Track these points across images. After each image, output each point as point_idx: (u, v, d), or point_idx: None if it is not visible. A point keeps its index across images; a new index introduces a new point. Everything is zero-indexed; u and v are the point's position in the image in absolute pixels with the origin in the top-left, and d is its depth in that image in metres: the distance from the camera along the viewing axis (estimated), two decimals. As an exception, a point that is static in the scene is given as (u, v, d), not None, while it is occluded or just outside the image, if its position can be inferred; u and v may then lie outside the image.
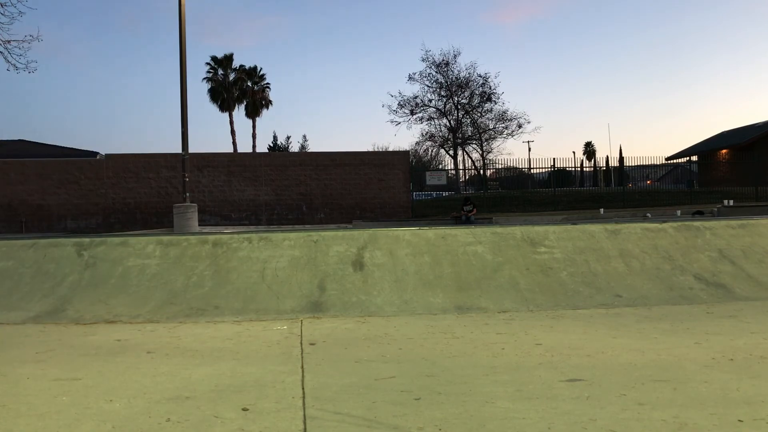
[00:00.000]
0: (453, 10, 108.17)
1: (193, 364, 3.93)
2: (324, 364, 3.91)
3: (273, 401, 3.11)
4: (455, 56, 40.33)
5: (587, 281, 6.45)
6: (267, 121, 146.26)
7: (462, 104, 39.43)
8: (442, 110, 39.63)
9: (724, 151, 35.64)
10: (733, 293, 6.27)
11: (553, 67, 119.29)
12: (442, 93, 39.26)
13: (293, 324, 5.33)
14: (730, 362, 3.75)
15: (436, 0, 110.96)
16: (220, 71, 49.59)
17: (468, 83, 38.67)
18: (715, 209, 21.02)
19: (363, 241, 6.89)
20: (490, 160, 40.92)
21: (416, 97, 39.41)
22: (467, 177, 39.35)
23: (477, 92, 38.89)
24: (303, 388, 3.34)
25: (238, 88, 49.74)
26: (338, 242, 6.88)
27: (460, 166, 40.52)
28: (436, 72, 38.85)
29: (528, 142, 68.02)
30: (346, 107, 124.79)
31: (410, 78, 41.14)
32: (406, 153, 27.40)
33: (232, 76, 49.83)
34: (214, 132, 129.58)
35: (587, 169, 53.41)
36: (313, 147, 71.93)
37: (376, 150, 52.45)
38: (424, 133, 41.88)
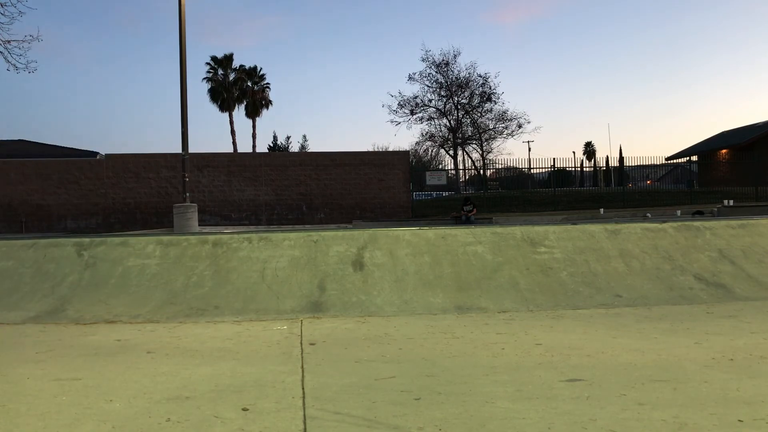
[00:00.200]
0: (453, 10, 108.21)
1: (193, 364, 3.93)
2: (324, 364, 3.91)
3: (273, 401, 3.11)
4: (455, 56, 40.36)
5: (587, 281, 6.45)
6: (267, 121, 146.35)
7: (462, 104, 39.44)
8: (442, 110, 39.64)
9: (724, 151, 35.64)
10: (733, 293, 6.27)
11: (553, 67, 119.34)
12: (442, 93, 39.28)
13: (293, 324, 5.33)
14: (730, 362, 3.75)
15: (436, 0, 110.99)
16: (220, 71, 49.59)
17: (468, 83, 38.69)
18: (715, 209, 21.02)
19: (363, 241, 6.89)
20: (490, 160, 40.96)
21: (416, 97, 39.45)
22: (467, 177, 39.38)
23: (477, 92, 38.91)
24: (303, 388, 3.34)
25: (238, 88, 49.74)
26: (338, 242, 6.88)
27: (460, 166, 40.55)
28: (436, 72, 38.89)
29: (528, 142, 68.09)
30: (346, 107, 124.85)
31: (410, 78, 41.20)
32: (406, 153, 27.40)
33: (232, 76, 49.82)
34: (214, 132, 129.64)
35: (587, 169, 53.45)
36: (313, 147, 71.98)
37: (376, 150, 52.46)
38: (424, 133, 41.92)
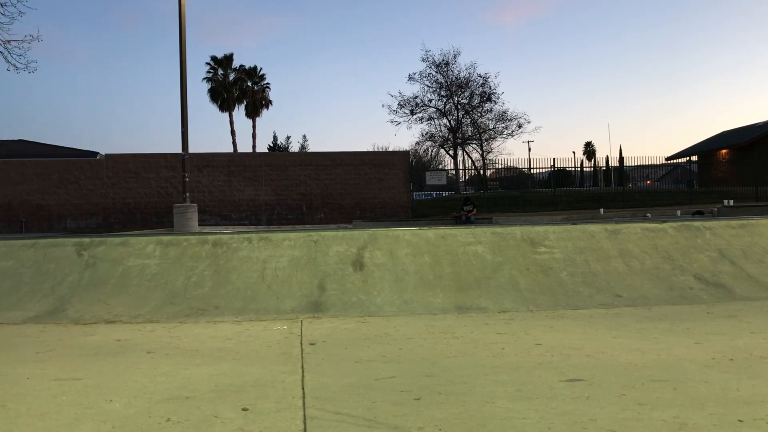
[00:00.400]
0: (453, 10, 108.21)
1: (193, 364, 3.92)
2: (324, 364, 3.91)
3: (273, 401, 3.11)
4: (455, 56, 40.34)
5: (587, 281, 6.44)
6: (267, 121, 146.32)
7: (462, 104, 39.43)
8: (442, 110, 39.63)
9: (724, 151, 35.64)
10: (733, 293, 6.27)
11: (553, 67, 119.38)
12: (442, 93, 39.27)
13: (293, 324, 5.33)
14: (730, 362, 3.75)
15: (436, 0, 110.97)
16: (220, 71, 49.59)
17: (468, 83, 38.68)
18: (715, 209, 21.02)
19: (363, 241, 6.89)
20: (490, 160, 40.95)
21: (416, 97, 39.44)
22: (467, 177, 39.38)
23: (477, 92, 38.90)
24: (303, 388, 3.34)
25: (238, 88, 49.73)
26: (338, 242, 6.88)
27: (460, 166, 40.56)
28: (436, 72, 38.88)
29: (528, 142, 68.15)
30: (346, 107, 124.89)
31: (410, 78, 41.19)
32: (406, 153, 27.39)
33: (232, 76, 49.82)
34: (214, 132, 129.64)
35: (587, 169, 53.44)
36: (313, 147, 71.99)
37: (376, 150, 52.47)
38: (424, 133, 41.91)
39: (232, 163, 24.33)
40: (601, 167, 51.70)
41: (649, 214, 20.97)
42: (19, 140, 34.45)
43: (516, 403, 3.03)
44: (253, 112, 50.54)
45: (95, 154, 28.67)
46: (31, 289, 6.25)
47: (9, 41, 18.58)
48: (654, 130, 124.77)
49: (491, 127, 40.01)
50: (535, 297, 6.12)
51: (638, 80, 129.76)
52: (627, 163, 30.86)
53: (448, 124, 39.93)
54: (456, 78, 38.73)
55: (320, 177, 24.26)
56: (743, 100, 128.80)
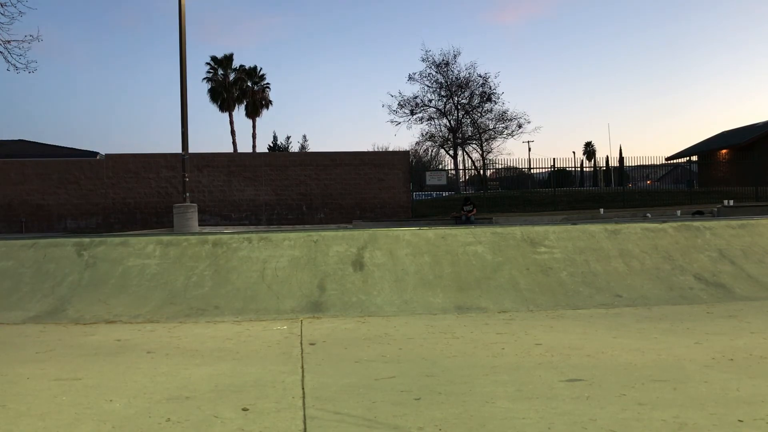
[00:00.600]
0: (453, 10, 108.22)
1: (193, 364, 3.93)
2: (324, 364, 3.91)
3: (273, 401, 3.11)
4: (455, 56, 40.33)
5: (587, 281, 6.45)
6: (267, 121, 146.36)
7: (462, 104, 39.43)
8: (442, 110, 39.63)
9: (724, 151, 35.63)
10: (733, 293, 6.27)
11: (553, 67, 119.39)
12: (442, 93, 39.27)
13: (293, 324, 5.33)
14: (730, 362, 3.75)
15: (436, 0, 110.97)
16: (220, 71, 49.59)
17: (468, 83, 38.68)
18: (715, 209, 21.02)
19: (363, 241, 6.89)
20: (490, 160, 40.94)
21: (416, 97, 39.44)
22: (467, 177, 39.38)
23: (477, 92, 38.90)
24: (303, 388, 3.34)
25: (238, 88, 49.73)
26: (338, 242, 6.88)
27: (460, 166, 40.55)
28: (436, 72, 38.87)
29: (528, 142, 68.10)
30: (346, 107, 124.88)
31: (410, 78, 41.18)
32: (406, 153, 27.40)
33: (232, 76, 49.82)
34: (214, 132, 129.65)
35: (587, 169, 53.43)
36: (313, 147, 71.96)
37: (376, 150, 52.46)
38: (424, 133, 41.91)
39: (232, 163, 24.33)
40: (601, 167, 51.70)
41: (649, 214, 20.97)
42: (19, 140, 34.46)
43: (516, 403, 3.03)
44: (253, 112, 50.54)
45: (95, 154, 28.67)
46: (31, 289, 6.25)
47: (9, 41, 18.60)
48: (654, 130, 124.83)
49: (491, 127, 40.04)
50: (535, 297, 6.12)
51: (638, 80, 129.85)
52: (627, 163, 30.87)
53: (448, 124, 39.94)
54: (456, 78, 38.75)
55: (320, 177, 24.26)
56: (743, 100, 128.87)
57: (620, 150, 62.66)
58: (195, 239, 6.98)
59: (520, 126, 39.42)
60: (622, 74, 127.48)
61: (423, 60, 46.67)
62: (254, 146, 50.28)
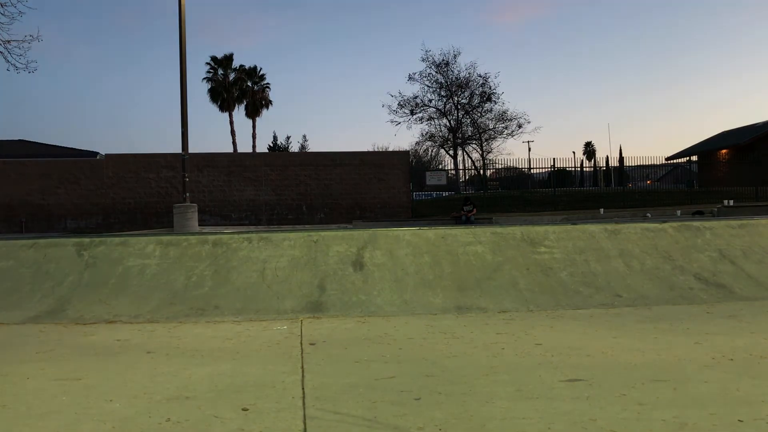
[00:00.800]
0: (453, 10, 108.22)
1: (193, 364, 3.92)
2: (324, 364, 3.91)
3: (273, 401, 3.11)
4: (455, 56, 40.29)
5: (587, 281, 6.44)
6: (267, 121, 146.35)
7: (462, 104, 39.44)
8: (442, 110, 39.64)
9: (724, 151, 35.64)
10: (733, 293, 6.27)
11: (553, 67, 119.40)
12: (442, 93, 39.28)
13: (293, 324, 5.33)
14: (730, 362, 3.75)
15: (436, 0, 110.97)
16: (220, 71, 49.58)
17: (468, 83, 38.69)
18: (715, 209, 21.02)
19: (363, 241, 6.89)
20: (490, 160, 40.94)
21: (416, 97, 39.45)
22: (467, 177, 39.39)
23: (477, 92, 38.91)
24: (303, 388, 3.33)
25: (238, 88, 49.73)
26: (338, 242, 6.88)
27: (460, 166, 40.54)
28: (436, 72, 38.88)
29: (528, 142, 67.94)
30: (346, 107, 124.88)
31: (410, 78, 41.15)
32: (406, 153, 27.41)
33: (232, 76, 49.82)
34: (214, 132, 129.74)
35: (587, 169, 53.44)
36: (313, 147, 71.90)
37: (376, 150, 52.43)
38: (424, 133, 41.91)
39: (232, 163, 24.33)
40: (601, 167, 51.73)
41: (649, 214, 20.97)
42: (19, 140, 34.48)
43: (516, 403, 3.03)
44: (253, 112, 50.53)
45: (95, 154, 28.69)
46: (31, 289, 6.25)
47: (9, 41, 18.61)
48: (654, 130, 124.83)
49: (491, 127, 40.05)
50: (535, 297, 6.12)
51: (638, 80, 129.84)
52: (627, 163, 30.89)
53: (448, 124, 39.95)
54: (456, 78, 38.75)
55: (320, 177, 24.25)
56: (743, 100, 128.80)
57: (620, 150, 62.66)
58: (195, 239, 6.98)
59: (520, 126, 39.48)
60: (622, 74, 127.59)
61: (423, 60, 46.68)
62: (254, 146, 50.32)
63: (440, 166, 53.23)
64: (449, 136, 40.29)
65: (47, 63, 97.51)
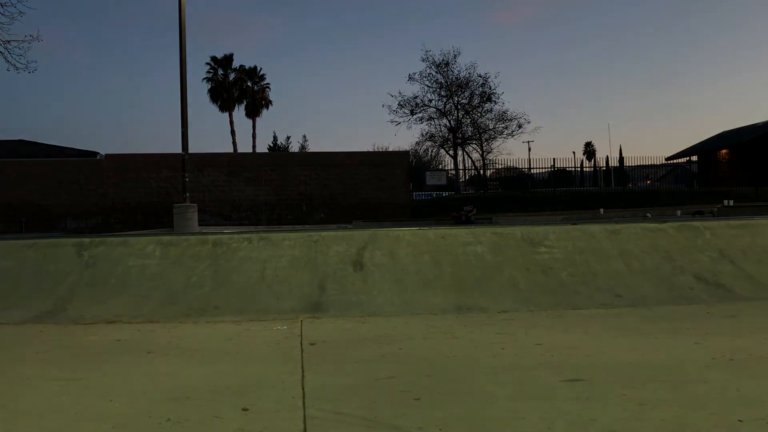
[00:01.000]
0: (453, 11, 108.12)
1: (193, 364, 3.93)
2: (324, 364, 3.91)
3: (273, 401, 3.11)
4: (455, 56, 40.14)
5: (587, 281, 6.44)
6: (267, 121, 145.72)
7: (462, 104, 39.37)
8: (442, 110, 39.57)
9: (724, 151, 35.62)
10: (733, 293, 6.27)
11: (553, 68, 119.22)
12: (442, 93, 39.19)
13: (293, 324, 5.33)
14: (730, 362, 3.75)
15: (436, 0, 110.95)
16: (220, 71, 49.56)
17: (468, 83, 38.60)
18: (715, 209, 21.02)
19: (363, 241, 6.89)
20: (490, 160, 40.91)
21: (416, 97, 39.33)
22: (467, 177, 39.31)
23: (477, 92, 38.81)
24: (303, 388, 3.33)
25: (238, 88, 49.71)
26: (338, 242, 6.88)
27: (460, 166, 40.48)
28: (436, 72, 38.77)
29: (528, 142, 67.53)
30: (346, 107, 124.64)
31: (410, 78, 40.95)
32: (406, 153, 27.43)
33: (232, 76, 49.80)
34: (214, 132, 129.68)
35: (587, 169, 53.31)
36: (313, 147, 71.71)
37: (376, 150, 52.38)
38: (424, 133, 41.80)
39: (232, 163, 24.33)
40: (601, 167, 51.62)
41: (649, 214, 20.96)
42: (19, 140, 34.42)
43: (516, 403, 3.03)
44: (253, 112, 50.50)
45: (95, 154, 28.68)
46: (31, 289, 6.25)
47: (9, 41, 18.59)
48: (654, 130, 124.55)
49: (491, 127, 39.95)
50: (535, 297, 6.12)
51: (638, 80, 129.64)
52: (627, 163, 30.92)
53: (448, 124, 39.89)
54: (456, 78, 38.66)
55: (320, 177, 24.25)
56: (743, 100, 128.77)
57: (620, 150, 62.45)
58: (195, 239, 6.98)
59: (520, 126, 39.38)
60: (622, 74, 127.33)
61: (423, 60, 46.46)
62: (254, 146, 50.28)
63: (440, 166, 53.17)
64: (449, 136, 40.24)
65: (47, 63, 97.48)
